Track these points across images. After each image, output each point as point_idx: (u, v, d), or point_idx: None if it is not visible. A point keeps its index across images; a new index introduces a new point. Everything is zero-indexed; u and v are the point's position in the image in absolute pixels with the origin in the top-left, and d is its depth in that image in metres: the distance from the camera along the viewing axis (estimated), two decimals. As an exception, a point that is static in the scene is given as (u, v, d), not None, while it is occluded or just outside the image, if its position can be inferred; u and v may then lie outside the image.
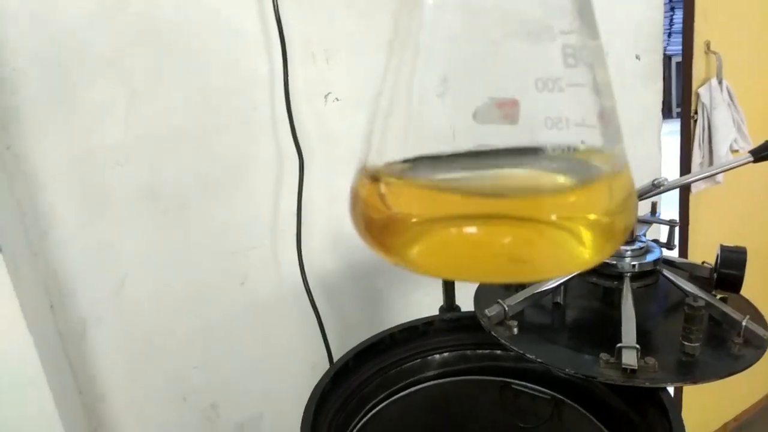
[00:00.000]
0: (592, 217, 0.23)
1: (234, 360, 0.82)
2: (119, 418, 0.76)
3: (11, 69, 0.63)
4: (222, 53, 0.72)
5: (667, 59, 4.25)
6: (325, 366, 0.83)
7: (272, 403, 0.86)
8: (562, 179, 0.24)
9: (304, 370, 0.87)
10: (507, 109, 0.22)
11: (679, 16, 3.03)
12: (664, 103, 1.11)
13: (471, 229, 0.23)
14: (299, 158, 0.77)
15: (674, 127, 1.41)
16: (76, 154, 0.68)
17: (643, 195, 0.56)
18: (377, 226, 0.25)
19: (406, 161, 0.25)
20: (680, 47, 1.26)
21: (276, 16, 0.71)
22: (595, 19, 0.23)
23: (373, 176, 0.25)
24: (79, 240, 0.70)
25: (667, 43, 4.00)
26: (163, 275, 0.75)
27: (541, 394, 0.60)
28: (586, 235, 0.23)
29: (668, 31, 4.16)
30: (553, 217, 0.22)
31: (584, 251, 0.23)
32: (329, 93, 0.80)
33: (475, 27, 0.23)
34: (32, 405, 0.63)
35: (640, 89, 1.06)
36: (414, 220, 0.24)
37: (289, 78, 0.74)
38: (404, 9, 0.24)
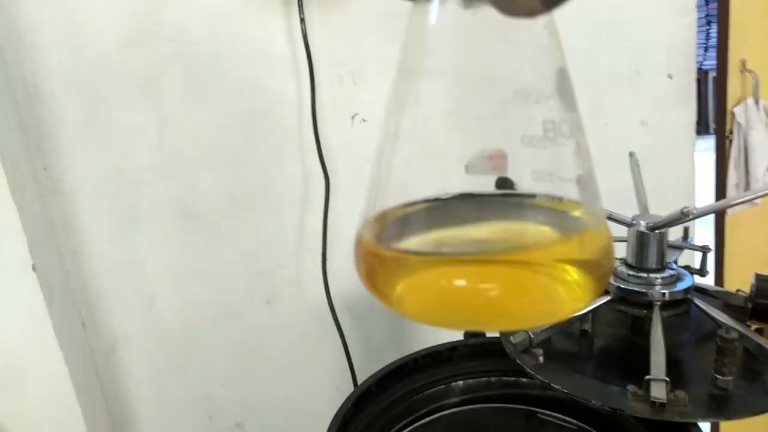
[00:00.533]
0: (574, 267, 0.25)
1: (259, 379, 0.83)
2: (146, 435, 0.77)
3: (48, 92, 0.65)
4: (251, 76, 0.74)
5: (703, 74, 4.17)
6: (350, 387, 0.83)
7: (297, 423, 0.86)
8: (546, 232, 0.26)
9: (329, 391, 0.86)
10: (496, 161, 0.24)
11: (716, 30, 2.98)
12: (701, 119, 1.09)
13: (460, 282, 0.24)
14: (325, 178, 0.77)
15: (711, 143, 1.38)
16: (109, 174, 0.69)
17: (671, 223, 0.55)
18: (375, 276, 0.26)
19: (405, 207, 0.26)
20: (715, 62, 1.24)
21: (304, 40, 0.72)
22: (572, 92, 0.25)
23: (372, 227, 0.26)
24: (111, 258, 0.71)
25: (704, 58, 3.92)
26: (191, 294, 0.76)
27: (567, 424, 0.59)
28: (569, 285, 0.24)
29: (704, 45, 4.08)
30: (539, 269, 0.24)
31: (566, 301, 0.24)
32: (356, 114, 0.80)
33: (465, 89, 0.25)
34: (62, 420, 0.64)
35: (672, 109, 1.04)
36: (407, 273, 0.25)
37: (317, 99, 0.75)
38: (403, 72, 0.25)
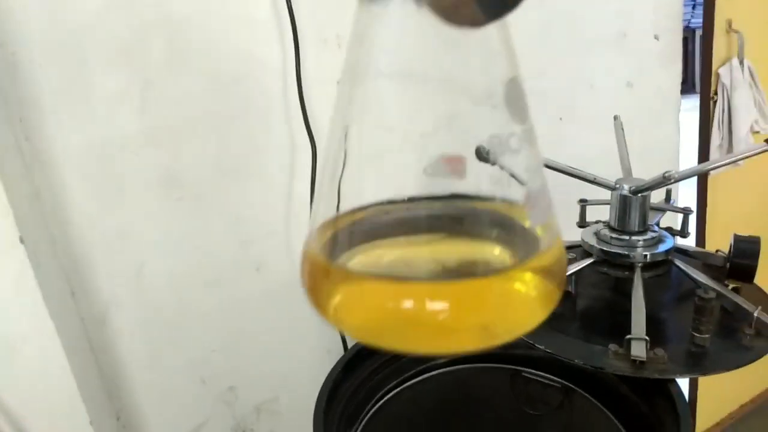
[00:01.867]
0: (524, 288, 0.24)
1: (251, 344, 0.84)
2: (141, 401, 0.79)
3: (28, 61, 0.64)
4: (234, 41, 0.72)
5: (691, 32, 4.14)
6: (340, 350, 0.84)
7: (288, 386, 0.88)
8: (495, 252, 0.25)
9: (319, 355, 0.88)
10: (454, 165, 0.23)
11: (703, -13, 2.95)
12: (686, 78, 1.09)
13: (408, 304, 0.23)
14: (312, 145, 0.77)
15: (697, 103, 1.38)
16: (93, 143, 0.69)
17: (653, 187, 0.56)
18: (319, 291, 0.26)
19: (353, 212, 0.26)
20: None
21: (287, 3, 0.70)
22: (524, 103, 0.24)
23: (317, 237, 0.26)
24: (98, 228, 0.71)
25: (692, 16, 3.89)
26: (180, 262, 0.77)
27: (551, 383, 0.61)
28: (516, 306, 0.24)
29: (692, 2, 4.04)
30: (487, 294, 0.23)
31: (513, 324, 0.24)
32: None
33: (417, 92, 0.24)
34: (56, 390, 0.65)
35: (658, 70, 1.04)
36: (349, 292, 0.25)
37: (301, 64, 0.74)
38: (348, 75, 0.25)
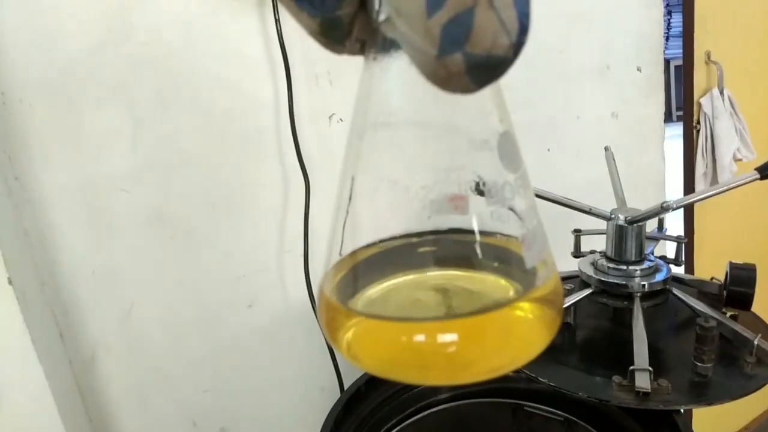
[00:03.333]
0: (527, 320, 0.26)
1: (243, 384, 0.82)
2: (130, 445, 0.76)
3: (18, 100, 0.63)
4: (226, 78, 0.73)
5: (665, 63, 4.25)
6: (334, 388, 0.83)
7: (281, 426, 0.86)
8: (501, 287, 0.27)
9: (313, 393, 0.86)
10: (457, 202, 0.25)
11: (676, 19, 3.03)
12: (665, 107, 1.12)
13: (418, 341, 0.25)
14: (305, 180, 0.77)
15: (676, 131, 1.41)
16: (83, 182, 0.68)
17: (650, 216, 0.56)
18: (335, 329, 0.27)
19: (364, 249, 0.28)
20: (678, 51, 1.27)
21: (280, 41, 0.71)
22: (517, 153, 0.26)
23: (331, 276, 0.28)
24: (87, 268, 0.70)
25: (665, 47, 3.99)
26: (170, 300, 0.75)
27: (554, 416, 0.60)
28: (520, 337, 0.26)
29: (666, 35, 4.16)
30: (493, 329, 0.25)
31: (519, 352, 0.26)
32: (333, 114, 0.80)
33: (420, 139, 0.26)
34: (44, 435, 0.63)
35: (642, 101, 1.06)
36: (362, 331, 0.26)
37: (294, 100, 0.74)
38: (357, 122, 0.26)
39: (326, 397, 0.86)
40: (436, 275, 0.28)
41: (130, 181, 0.70)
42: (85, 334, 0.72)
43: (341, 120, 0.80)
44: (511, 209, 0.25)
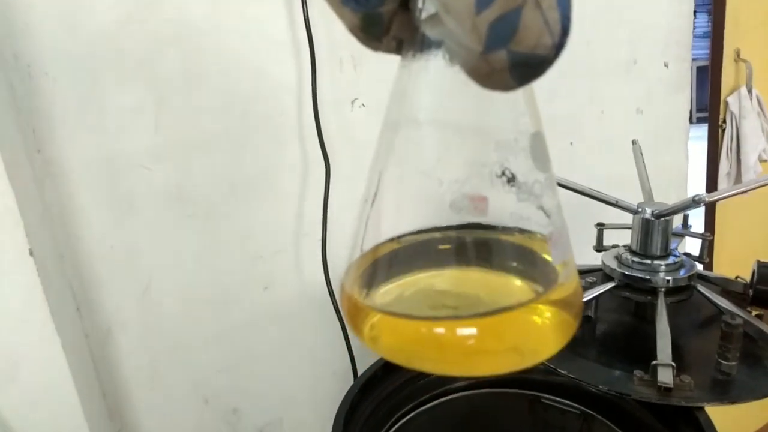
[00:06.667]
0: (548, 320, 0.26)
1: (256, 364, 0.82)
2: (142, 421, 0.77)
3: (43, 73, 0.64)
4: (251, 59, 0.72)
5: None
6: (346, 372, 0.83)
7: (292, 408, 0.86)
8: (521, 288, 0.27)
9: (325, 377, 0.86)
10: (477, 203, 0.26)
11: (701, 20, 2.99)
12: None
13: (439, 330, 0.25)
14: (326, 164, 0.76)
15: (696, 132, 1.39)
16: (105, 157, 0.68)
17: (678, 210, 0.55)
18: (355, 320, 0.28)
19: (386, 244, 0.28)
20: (701, 52, 1.25)
21: (306, 23, 0.70)
22: (546, 154, 0.26)
23: (354, 270, 0.28)
24: (106, 243, 0.70)
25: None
26: (187, 279, 0.75)
27: (571, 409, 0.60)
28: (540, 336, 0.26)
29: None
30: (514, 327, 0.25)
31: (539, 350, 0.26)
32: (356, 99, 0.79)
33: (450, 138, 0.27)
34: (59, 407, 0.63)
35: (667, 97, 1.05)
36: (382, 325, 0.27)
37: (317, 84, 0.74)
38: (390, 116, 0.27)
39: (338, 381, 0.86)
40: (458, 272, 0.29)
41: (151, 158, 0.70)
42: (101, 310, 0.72)
43: (363, 105, 0.80)
44: (540, 207, 0.26)
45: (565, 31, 0.20)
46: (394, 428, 0.57)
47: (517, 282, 0.27)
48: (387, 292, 0.28)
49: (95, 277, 0.71)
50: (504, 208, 0.26)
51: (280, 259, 0.80)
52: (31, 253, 0.58)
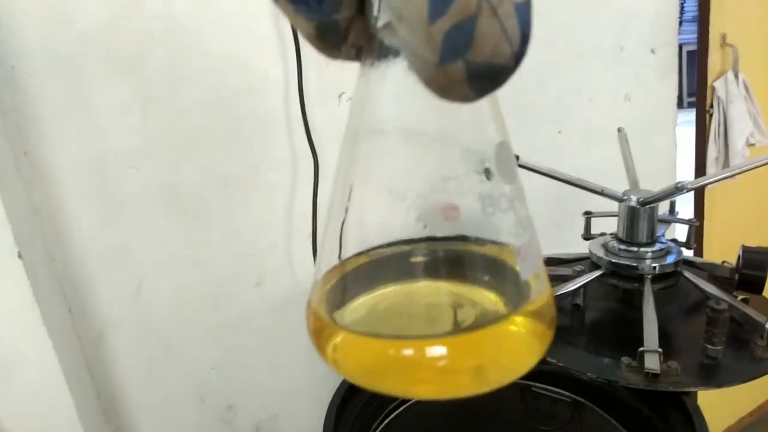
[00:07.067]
0: (520, 334, 0.26)
1: (250, 361, 0.83)
2: (138, 421, 0.77)
3: (28, 75, 0.63)
4: (237, 55, 0.72)
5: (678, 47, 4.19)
6: (341, 367, 0.83)
7: (288, 404, 0.87)
8: (491, 301, 0.27)
9: (319, 372, 0.87)
10: (449, 212, 0.25)
11: (690, 4, 2.99)
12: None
13: (407, 352, 0.24)
14: (314, 159, 0.76)
15: (686, 117, 1.39)
16: (93, 157, 0.68)
17: (663, 197, 0.55)
18: (322, 341, 0.27)
19: (353, 259, 0.27)
20: (691, 36, 1.25)
21: (290, 17, 0.70)
22: (513, 164, 0.25)
23: (320, 287, 0.27)
24: (97, 244, 0.70)
25: (679, 31, 3.95)
26: (179, 277, 0.76)
27: (561, 397, 0.60)
28: (519, 346, 0.25)
29: (679, 19, 4.10)
30: (484, 344, 0.24)
31: (520, 361, 0.25)
32: (343, 93, 0.79)
33: (415, 147, 0.26)
34: (53, 409, 0.63)
35: (655, 83, 1.05)
36: (347, 346, 0.26)
37: (303, 78, 0.74)
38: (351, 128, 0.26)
39: (332, 376, 0.86)
40: (426, 286, 0.28)
41: (139, 157, 0.70)
42: (94, 310, 0.72)
43: (351, 99, 0.79)
44: (507, 221, 0.25)
45: (525, 39, 0.19)
46: (386, 421, 0.57)
47: (490, 296, 0.27)
48: (352, 310, 0.27)
49: (87, 277, 0.71)
50: (477, 218, 0.25)
51: (271, 255, 0.80)
52: (19, 256, 0.58)
